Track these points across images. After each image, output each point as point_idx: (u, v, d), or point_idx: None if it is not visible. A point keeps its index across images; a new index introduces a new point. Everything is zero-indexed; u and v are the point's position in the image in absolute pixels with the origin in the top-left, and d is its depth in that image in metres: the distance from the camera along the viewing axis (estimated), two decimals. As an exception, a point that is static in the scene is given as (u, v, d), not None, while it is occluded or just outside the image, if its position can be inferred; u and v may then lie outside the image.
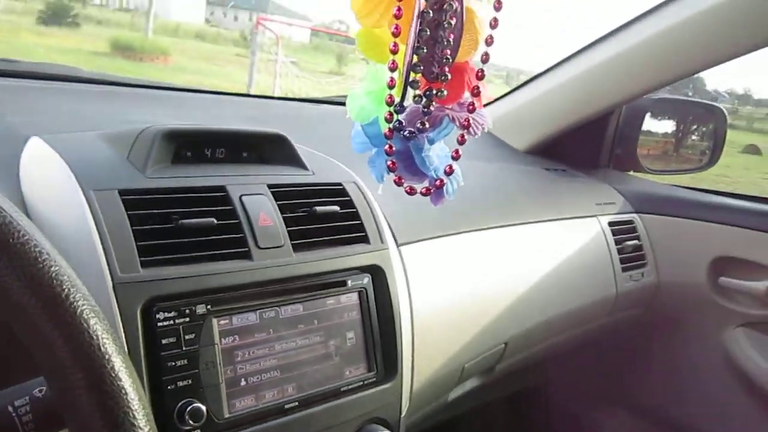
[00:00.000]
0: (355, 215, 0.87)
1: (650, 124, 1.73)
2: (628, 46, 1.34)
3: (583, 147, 1.64)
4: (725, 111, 1.73)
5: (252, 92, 8.55)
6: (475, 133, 0.56)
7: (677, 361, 1.54)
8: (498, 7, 0.52)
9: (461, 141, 0.56)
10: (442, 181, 0.56)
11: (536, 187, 1.38)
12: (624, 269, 1.39)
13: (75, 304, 0.41)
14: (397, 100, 0.53)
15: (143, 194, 0.70)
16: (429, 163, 0.56)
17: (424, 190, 0.57)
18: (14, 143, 0.76)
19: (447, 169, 0.56)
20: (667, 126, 1.84)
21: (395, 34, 0.51)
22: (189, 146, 0.80)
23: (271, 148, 0.87)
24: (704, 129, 1.87)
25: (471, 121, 0.55)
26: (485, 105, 1.74)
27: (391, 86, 0.53)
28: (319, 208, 0.82)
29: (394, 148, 0.55)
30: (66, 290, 0.41)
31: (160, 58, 14.31)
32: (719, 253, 1.40)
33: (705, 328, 1.45)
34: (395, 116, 0.54)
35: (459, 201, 1.18)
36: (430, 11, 0.51)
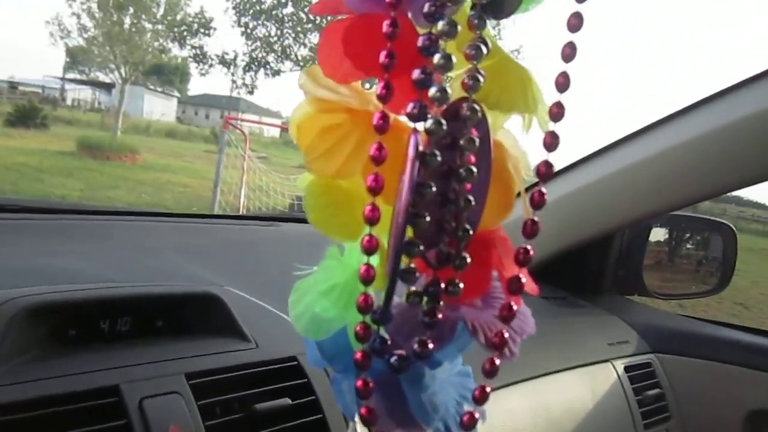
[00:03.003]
0: (315, 407, 0.62)
1: (654, 243, 1.54)
2: (637, 160, 1.16)
3: (584, 269, 1.43)
4: (733, 228, 1.55)
5: (218, 188, 8.36)
6: (512, 354, 0.33)
7: None
8: (551, 142, 0.31)
9: (490, 370, 0.32)
10: (455, 439, 0.32)
11: (537, 327, 1.15)
12: (646, 426, 1.14)
13: None
14: (377, 303, 0.30)
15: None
16: (432, 408, 0.32)
17: (424, 459, 0.33)
18: None
19: (465, 419, 0.33)
20: (669, 245, 1.66)
21: (374, 190, 0.29)
22: (75, 321, 0.55)
23: (198, 313, 0.63)
24: (707, 247, 1.69)
25: (506, 336, 0.32)
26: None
27: (366, 280, 0.30)
28: (261, 406, 0.57)
29: (371, 384, 0.31)
30: None
31: (128, 156, 14.13)
32: (757, 406, 1.17)
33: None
34: (375, 329, 0.31)
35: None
36: (436, 152, 0.29)
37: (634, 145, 1.19)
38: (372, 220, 0.29)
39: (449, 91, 0.28)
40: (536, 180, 0.32)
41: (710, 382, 1.22)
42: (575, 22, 0.29)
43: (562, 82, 0.29)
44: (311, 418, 0.61)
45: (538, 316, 1.13)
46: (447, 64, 0.28)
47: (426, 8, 0.28)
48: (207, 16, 18.29)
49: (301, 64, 15.47)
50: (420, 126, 0.28)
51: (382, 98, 0.28)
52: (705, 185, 1.12)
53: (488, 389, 0.32)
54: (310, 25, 15.02)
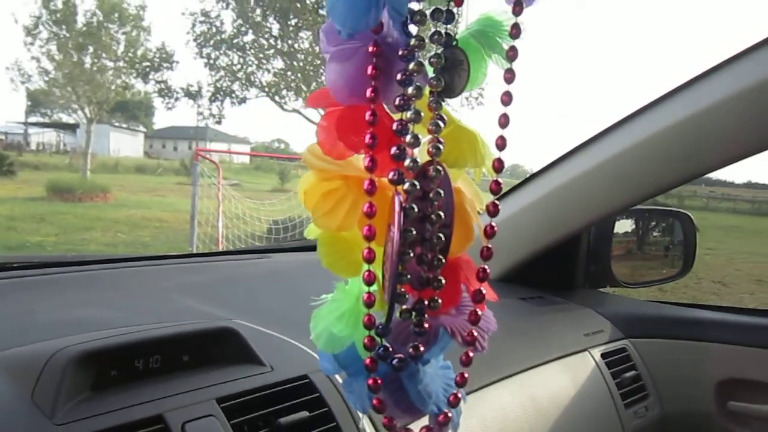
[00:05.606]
0: (329, 416, 0.71)
1: (622, 234, 1.66)
2: (596, 163, 1.27)
3: (557, 268, 1.53)
4: (691, 215, 1.67)
5: (196, 221, 8.38)
6: (482, 348, 0.43)
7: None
8: (496, 189, 0.41)
9: (466, 361, 0.42)
10: (446, 415, 0.42)
11: (518, 326, 1.25)
12: (627, 405, 1.24)
13: None
14: (379, 321, 0.40)
15: (49, 453, 0.53)
16: (427, 395, 0.41)
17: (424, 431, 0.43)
18: None
19: (452, 398, 0.42)
20: (635, 236, 1.77)
21: (368, 237, 0.39)
22: (114, 363, 0.64)
23: (218, 345, 0.72)
24: (672, 233, 1.81)
25: (476, 334, 0.42)
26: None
27: (368, 304, 0.39)
28: (284, 420, 0.66)
29: (380, 382, 0.41)
30: None
31: (100, 195, 14.07)
32: (724, 376, 1.28)
33: (724, 463, 1.30)
34: (379, 341, 0.40)
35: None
36: (414, 205, 0.39)
37: (590, 151, 1.31)
38: (369, 260, 0.39)
39: (419, 159, 0.38)
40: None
41: (681, 359, 1.33)
42: (506, 99, 0.39)
43: (501, 144, 0.39)
44: (327, 426, 0.70)
45: (518, 316, 1.24)
46: (416, 143, 0.38)
47: (396, 101, 0.38)
48: (168, 50, 18.36)
49: (266, 89, 15.56)
50: (399, 187, 0.38)
51: (368, 169, 0.38)
52: (661, 179, 1.23)
53: (466, 375, 0.42)
54: (272, 51, 15.14)
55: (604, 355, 1.27)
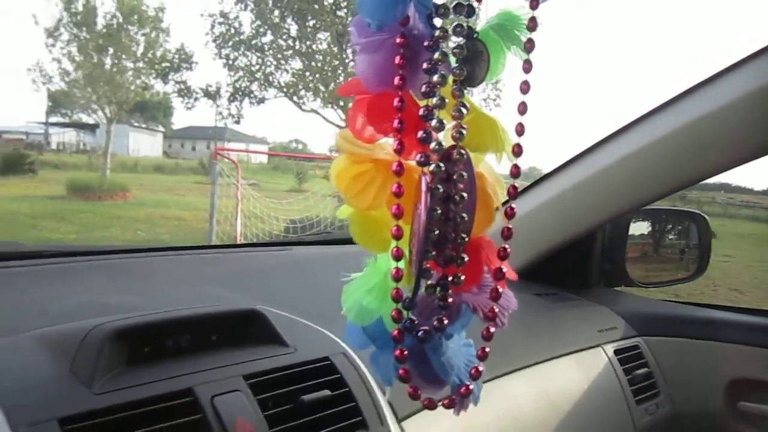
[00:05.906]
0: (349, 396, 0.74)
1: (638, 236, 1.67)
2: (615, 161, 1.28)
3: (572, 266, 1.55)
4: (706, 217, 1.68)
5: (215, 219, 8.46)
6: (503, 324, 0.45)
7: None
8: (516, 172, 0.43)
9: (487, 336, 0.45)
10: (468, 387, 0.45)
11: (532, 320, 1.27)
12: (638, 402, 1.26)
13: None
14: (407, 294, 0.43)
15: (90, 419, 0.56)
16: (449, 367, 0.44)
17: (446, 402, 0.46)
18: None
19: (473, 371, 0.45)
20: (651, 238, 1.79)
21: (397, 216, 0.42)
22: (147, 340, 0.67)
23: (244, 327, 0.75)
24: (687, 236, 1.82)
25: (496, 311, 0.45)
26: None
27: (396, 278, 0.42)
28: (307, 398, 0.69)
29: (405, 353, 0.44)
30: None
31: (119, 194, 14.22)
32: (735, 375, 1.29)
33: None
34: (405, 314, 0.43)
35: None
36: (439, 186, 0.42)
37: (604, 150, 1.33)
38: (398, 236, 0.42)
39: (443, 143, 0.41)
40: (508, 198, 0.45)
41: (692, 358, 1.35)
42: (525, 88, 0.42)
43: (520, 130, 0.42)
44: (347, 405, 0.73)
45: (533, 311, 1.26)
46: (440, 127, 0.41)
47: (423, 89, 0.41)
48: (188, 51, 18.52)
49: (285, 89, 15.64)
50: (425, 169, 0.41)
51: (397, 152, 0.41)
52: (675, 179, 1.25)
53: (487, 349, 0.45)
54: (290, 52, 15.22)
55: (617, 352, 1.29)
